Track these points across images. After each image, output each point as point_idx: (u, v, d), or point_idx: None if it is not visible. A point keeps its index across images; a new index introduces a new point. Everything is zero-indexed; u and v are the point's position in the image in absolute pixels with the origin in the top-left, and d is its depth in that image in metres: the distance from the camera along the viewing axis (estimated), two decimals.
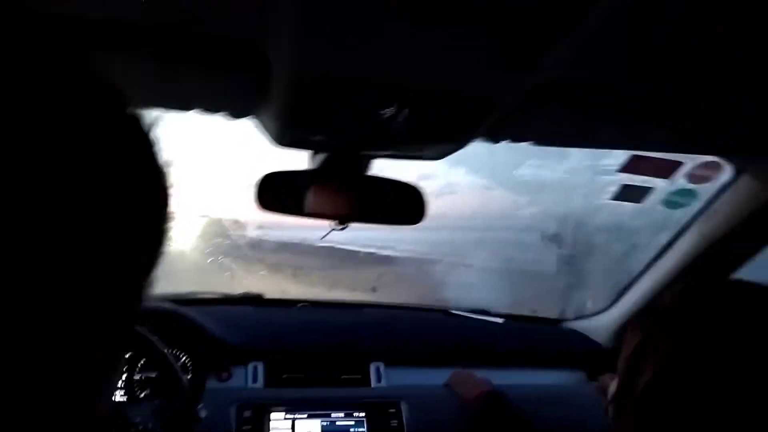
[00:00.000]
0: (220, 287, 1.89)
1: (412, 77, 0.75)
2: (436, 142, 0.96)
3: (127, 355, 1.39)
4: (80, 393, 0.36)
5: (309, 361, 1.58)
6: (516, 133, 1.01)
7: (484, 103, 0.81)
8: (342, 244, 3.59)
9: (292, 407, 1.43)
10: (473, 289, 3.20)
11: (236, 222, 3.38)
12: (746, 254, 1.44)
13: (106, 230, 0.34)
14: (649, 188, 1.51)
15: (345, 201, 1.12)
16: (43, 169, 0.30)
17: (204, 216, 3.29)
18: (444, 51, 0.68)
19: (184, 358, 1.48)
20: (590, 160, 2.01)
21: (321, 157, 1.10)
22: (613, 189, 1.54)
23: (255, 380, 1.51)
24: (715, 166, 1.35)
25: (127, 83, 0.37)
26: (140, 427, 1.09)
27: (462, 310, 1.90)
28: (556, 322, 1.97)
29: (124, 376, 1.39)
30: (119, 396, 1.39)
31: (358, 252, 3.62)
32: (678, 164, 1.37)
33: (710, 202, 1.42)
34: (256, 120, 0.98)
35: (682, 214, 1.49)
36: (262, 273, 3.46)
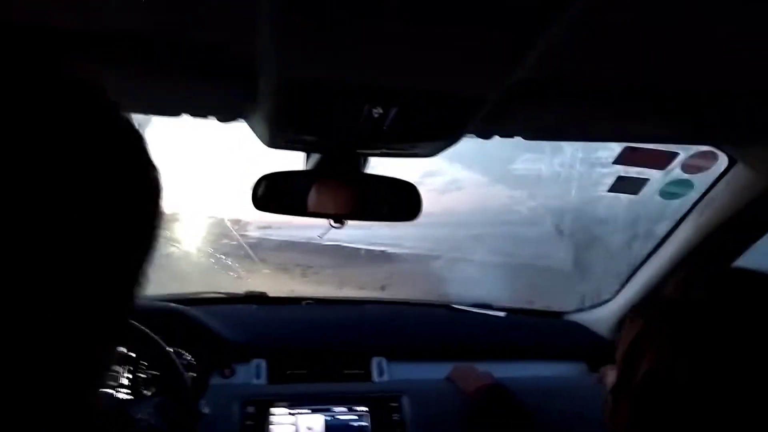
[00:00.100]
0: (227, 288, 1.91)
1: (399, 77, 0.76)
2: (427, 140, 0.97)
3: (132, 354, 1.41)
4: (73, 386, 0.37)
5: (312, 357, 1.60)
6: (505, 128, 1.01)
7: (471, 100, 0.82)
8: (350, 242, 3.61)
9: (294, 403, 1.45)
10: (480, 284, 3.21)
11: (242, 222, 3.40)
12: (744, 243, 1.44)
13: (96, 226, 0.35)
14: (645, 179, 1.51)
15: (341, 199, 1.14)
16: (36, 170, 0.32)
17: (210, 217, 3.32)
18: (429, 50, 0.69)
19: (188, 356, 1.51)
20: (584, 153, 2.01)
21: (316, 157, 1.12)
22: (609, 181, 1.55)
23: (258, 377, 1.53)
24: (709, 156, 1.35)
25: (115, 90, 0.39)
26: (144, 424, 1.12)
27: (464, 305, 1.91)
28: (558, 315, 1.98)
29: (129, 375, 1.42)
30: (124, 394, 1.41)
31: (366, 250, 3.63)
32: (673, 155, 1.37)
33: (706, 192, 1.42)
34: (247, 123, 1.00)
35: (679, 205, 1.49)
36: (268, 272, 3.48)
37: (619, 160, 1.40)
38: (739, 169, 1.31)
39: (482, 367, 1.61)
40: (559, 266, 2.77)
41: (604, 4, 0.65)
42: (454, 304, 1.91)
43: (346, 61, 0.71)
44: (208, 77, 0.82)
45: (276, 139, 0.99)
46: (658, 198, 1.56)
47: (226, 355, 1.54)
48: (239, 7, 0.65)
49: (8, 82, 0.33)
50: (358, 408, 1.47)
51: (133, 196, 0.38)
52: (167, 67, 0.79)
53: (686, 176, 1.45)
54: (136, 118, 0.40)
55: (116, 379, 1.41)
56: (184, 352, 1.51)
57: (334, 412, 1.46)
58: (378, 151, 1.07)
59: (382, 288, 3.43)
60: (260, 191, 1.12)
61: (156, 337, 1.28)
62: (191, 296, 1.77)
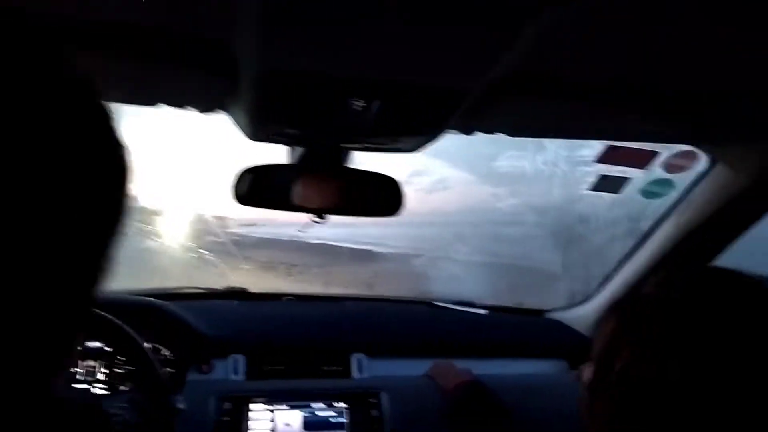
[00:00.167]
0: (210, 286, 1.89)
1: (381, 70, 0.75)
2: (409, 134, 0.97)
3: (108, 349, 1.39)
4: (30, 371, 0.36)
5: (291, 353, 1.58)
6: (488, 124, 1.01)
7: (453, 94, 0.81)
8: (336, 241, 3.60)
9: (272, 398, 1.44)
10: (466, 283, 3.21)
11: (227, 219, 3.36)
12: (723, 242, 1.46)
13: (55, 205, 0.34)
14: (627, 178, 1.52)
15: (324, 194, 1.13)
16: None
17: (194, 213, 3.28)
18: (411, 43, 0.68)
19: (165, 351, 1.49)
20: (567, 151, 2.02)
21: (299, 150, 1.10)
22: (591, 180, 1.56)
23: (236, 372, 1.52)
24: (690, 156, 1.36)
25: (93, 79, 0.37)
26: (118, 419, 1.10)
27: (446, 302, 1.91)
28: (539, 313, 1.98)
29: (105, 370, 1.39)
30: (100, 389, 1.39)
31: (352, 249, 3.62)
32: (654, 154, 1.38)
33: (687, 192, 1.43)
34: (228, 115, 0.98)
35: (660, 204, 1.50)
36: (253, 270, 3.45)
37: (601, 158, 1.40)
38: (720, 168, 1.32)
39: (463, 365, 1.61)
40: (542, 264, 2.79)
41: (586, 1, 0.64)
42: (436, 301, 1.91)
43: (327, 54, 0.70)
44: (188, 67, 0.80)
45: (258, 132, 0.98)
46: (639, 197, 1.57)
47: (204, 350, 1.52)
48: None
49: None
50: (337, 404, 1.47)
51: (97, 176, 0.37)
52: (145, 56, 0.78)
53: (667, 176, 1.46)
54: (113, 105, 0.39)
55: (92, 374, 1.39)
56: (161, 347, 1.49)
57: (313, 408, 1.45)
58: (361, 145, 1.06)
59: (369, 287, 3.42)
60: (242, 185, 1.10)
61: (131, 331, 1.26)
62: (170, 291, 1.75)
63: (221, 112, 0.98)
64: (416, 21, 0.63)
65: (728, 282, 0.70)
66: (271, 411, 1.42)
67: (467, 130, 1.03)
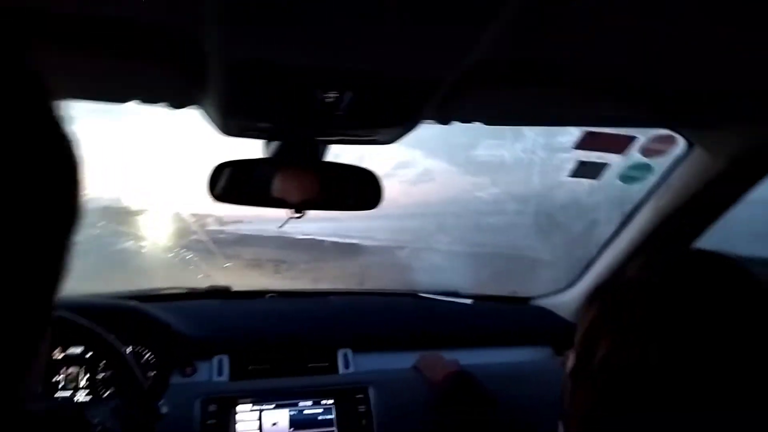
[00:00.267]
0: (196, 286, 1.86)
1: (351, 60, 0.74)
2: (384, 126, 0.95)
3: (88, 355, 1.37)
4: None
5: (275, 351, 1.57)
6: (464, 113, 1.00)
7: (427, 83, 0.80)
8: (323, 236, 3.58)
9: (258, 398, 1.42)
10: (455, 273, 3.22)
11: (211, 216, 3.33)
12: (703, 224, 1.47)
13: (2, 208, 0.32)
14: (605, 164, 1.52)
15: (301, 188, 1.11)
16: None
17: (176, 211, 3.24)
18: (381, 32, 0.67)
19: (146, 354, 1.46)
20: (545, 138, 2.02)
21: (274, 145, 1.08)
22: (570, 166, 1.56)
23: (220, 373, 1.49)
24: (668, 140, 1.37)
25: (60, 76, 0.36)
26: (99, 428, 1.08)
27: (431, 293, 1.91)
28: (524, 301, 1.99)
29: (86, 376, 1.37)
30: (83, 396, 1.37)
31: (339, 243, 3.61)
32: (631, 139, 1.38)
33: (666, 176, 1.44)
34: (199, 110, 0.96)
35: (640, 189, 1.51)
36: (239, 269, 3.42)
37: (579, 144, 1.40)
38: (697, 152, 1.33)
39: (450, 355, 1.61)
40: (525, 252, 2.80)
41: None
42: (420, 292, 1.91)
43: (294, 44, 0.68)
44: (156, 61, 0.78)
45: (230, 126, 0.96)
46: (619, 182, 1.58)
47: (186, 352, 1.50)
48: None
49: None
50: (324, 401, 1.46)
51: (43, 170, 0.36)
52: (113, 52, 0.76)
53: (645, 160, 1.47)
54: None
55: (75, 381, 1.36)
56: (142, 350, 1.47)
57: (300, 406, 1.44)
58: (336, 138, 1.05)
59: (360, 282, 3.41)
60: (216, 181, 1.08)
61: (109, 336, 1.23)
62: (150, 293, 1.72)
63: (194, 107, 0.96)
64: (384, 10, 0.61)
65: (708, 264, 0.70)
66: (257, 411, 1.41)
67: (444, 120, 1.02)
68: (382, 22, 0.64)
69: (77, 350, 1.37)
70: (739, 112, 1.11)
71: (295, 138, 1.04)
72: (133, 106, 0.95)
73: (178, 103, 0.94)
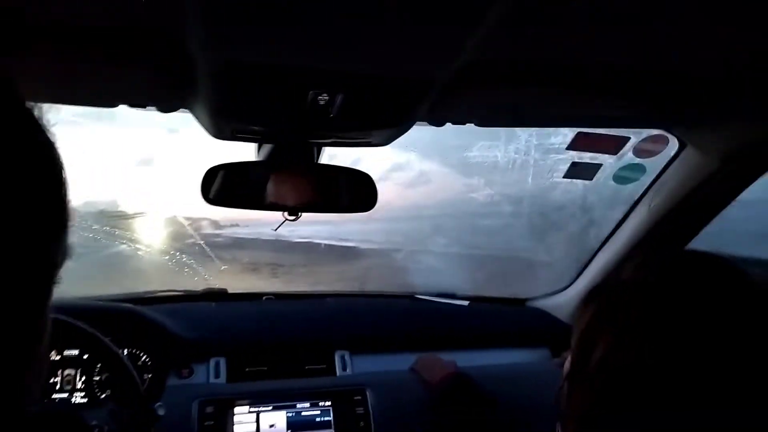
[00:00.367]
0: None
1: (343, 61, 0.74)
2: (377, 127, 0.96)
3: (85, 357, 1.37)
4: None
5: (273, 353, 1.57)
6: (457, 114, 1.01)
7: (419, 84, 0.80)
8: (320, 239, 3.57)
9: (256, 400, 1.42)
10: (453, 275, 3.21)
11: (206, 221, 3.32)
12: (698, 224, 1.47)
13: None
14: (599, 165, 1.53)
15: (296, 191, 1.11)
16: None
17: (173, 215, 3.23)
18: (373, 32, 0.67)
19: (143, 356, 1.47)
20: (538, 140, 2.03)
21: (267, 148, 1.09)
22: (564, 167, 1.56)
23: (217, 375, 1.50)
24: (660, 140, 1.37)
25: (49, 81, 0.36)
26: (96, 430, 1.08)
27: (428, 295, 1.91)
28: (521, 302, 1.99)
29: (82, 378, 1.37)
30: (79, 398, 1.37)
31: (337, 246, 3.60)
32: (624, 139, 1.39)
33: (658, 176, 1.44)
34: (191, 113, 0.96)
35: (633, 189, 1.51)
36: (236, 272, 3.41)
37: (572, 145, 1.41)
38: (690, 152, 1.33)
39: (447, 357, 1.61)
40: (520, 253, 2.80)
41: None
42: (418, 294, 1.91)
43: (284, 43, 0.68)
44: (144, 65, 0.78)
45: (221, 130, 0.96)
46: (612, 183, 1.58)
47: (183, 354, 1.50)
48: None
49: None
50: (322, 403, 1.46)
51: (25, 175, 0.36)
52: (99, 55, 0.76)
53: (638, 160, 1.47)
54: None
55: (72, 383, 1.37)
56: (139, 352, 1.47)
57: (297, 408, 1.44)
58: (329, 141, 1.05)
59: (360, 285, 3.39)
60: (210, 185, 1.08)
61: (105, 338, 1.23)
62: (147, 295, 1.72)
63: (183, 110, 0.96)
64: (376, 10, 0.62)
65: (703, 265, 0.70)
66: (255, 413, 1.41)
67: (437, 122, 1.03)
68: (375, 23, 0.65)
69: (74, 352, 1.37)
70: (732, 111, 1.12)
71: (288, 140, 1.04)
72: (127, 110, 0.95)
73: (167, 107, 0.94)
